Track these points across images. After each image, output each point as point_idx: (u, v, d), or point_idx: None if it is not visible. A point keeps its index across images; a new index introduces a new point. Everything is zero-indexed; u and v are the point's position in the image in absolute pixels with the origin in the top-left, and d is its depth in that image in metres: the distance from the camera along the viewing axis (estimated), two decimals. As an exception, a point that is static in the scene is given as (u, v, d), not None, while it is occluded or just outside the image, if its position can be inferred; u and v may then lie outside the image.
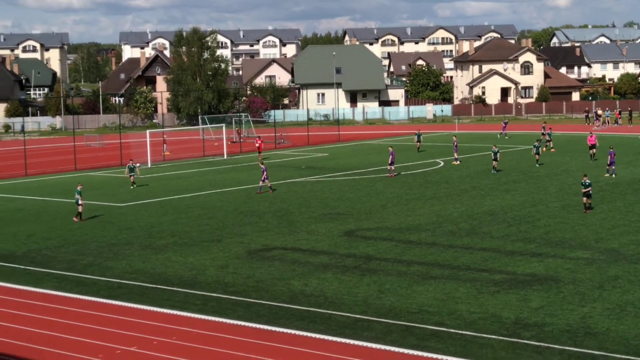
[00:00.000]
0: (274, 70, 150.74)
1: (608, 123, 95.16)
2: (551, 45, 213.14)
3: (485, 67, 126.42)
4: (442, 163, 60.33)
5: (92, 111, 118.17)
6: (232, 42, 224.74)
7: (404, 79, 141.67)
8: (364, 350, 20.66)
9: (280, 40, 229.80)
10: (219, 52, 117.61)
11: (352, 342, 21.23)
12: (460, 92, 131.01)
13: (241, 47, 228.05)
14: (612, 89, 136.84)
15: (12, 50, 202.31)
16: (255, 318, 23.40)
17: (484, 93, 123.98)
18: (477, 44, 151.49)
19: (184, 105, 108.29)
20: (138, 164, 61.52)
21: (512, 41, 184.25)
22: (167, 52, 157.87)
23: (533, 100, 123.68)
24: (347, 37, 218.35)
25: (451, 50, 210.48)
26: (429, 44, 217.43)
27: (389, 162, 53.35)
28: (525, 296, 24.73)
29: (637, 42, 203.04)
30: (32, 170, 62.26)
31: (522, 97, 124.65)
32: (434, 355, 20.06)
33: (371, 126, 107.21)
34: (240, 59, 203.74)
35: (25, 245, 34.58)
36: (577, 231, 34.18)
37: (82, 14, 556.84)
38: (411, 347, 20.67)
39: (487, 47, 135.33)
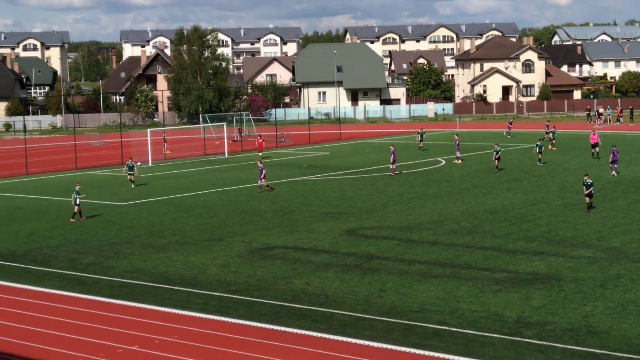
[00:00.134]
0: (275, 68, 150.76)
1: (610, 121, 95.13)
2: (552, 43, 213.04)
3: (487, 66, 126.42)
4: (444, 162, 60.29)
5: (93, 110, 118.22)
6: (233, 40, 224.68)
7: (405, 77, 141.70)
8: (365, 349, 20.63)
9: (281, 39, 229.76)
10: (219, 50, 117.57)
11: (353, 340, 21.20)
12: (461, 91, 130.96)
13: (242, 46, 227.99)
14: (614, 87, 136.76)
15: (13, 48, 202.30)
16: (256, 317, 23.38)
17: (485, 91, 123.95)
18: (478, 42, 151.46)
19: (184, 104, 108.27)
20: (139, 163, 61.63)
21: (514, 39, 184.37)
22: (167, 51, 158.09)
23: (534, 98, 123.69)
24: (348, 36, 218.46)
25: (452, 49, 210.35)
26: (430, 42, 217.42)
27: (391, 161, 53.32)
28: (527, 295, 24.70)
29: (638, 40, 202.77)
30: (32, 169, 62.25)
31: (523, 96, 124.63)
32: (436, 354, 20.03)
33: (372, 125, 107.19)
34: (241, 58, 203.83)
35: (26, 244, 34.56)
36: (578, 230, 34.14)
37: (83, 13, 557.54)
38: (413, 346, 20.65)
39: (488, 45, 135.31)
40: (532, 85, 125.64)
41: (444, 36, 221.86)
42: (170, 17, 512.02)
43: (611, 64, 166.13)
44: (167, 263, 30.23)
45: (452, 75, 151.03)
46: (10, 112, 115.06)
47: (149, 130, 68.96)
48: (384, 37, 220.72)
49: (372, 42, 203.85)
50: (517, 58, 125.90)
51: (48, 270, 29.62)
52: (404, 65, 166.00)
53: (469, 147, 68.65)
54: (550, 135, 68.74)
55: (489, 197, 43.19)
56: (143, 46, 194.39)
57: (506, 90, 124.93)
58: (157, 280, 27.71)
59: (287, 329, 22.24)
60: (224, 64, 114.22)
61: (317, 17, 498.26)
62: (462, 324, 22.15)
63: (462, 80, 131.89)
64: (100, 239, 35.12)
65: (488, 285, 25.94)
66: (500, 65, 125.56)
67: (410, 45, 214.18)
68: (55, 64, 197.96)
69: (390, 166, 53.50)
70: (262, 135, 72.21)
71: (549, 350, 20.06)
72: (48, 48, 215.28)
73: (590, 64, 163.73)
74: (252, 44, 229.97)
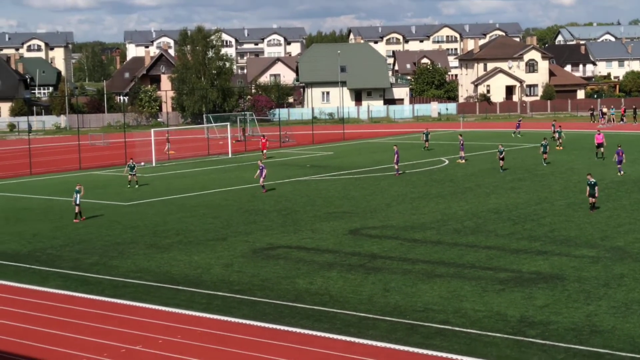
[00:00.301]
0: (279, 68, 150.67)
1: (613, 121, 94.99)
2: (556, 43, 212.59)
3: (490, 65, 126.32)
4: (447, 161, 60.27)
5: (97, 110, 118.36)
6: (236, 40, 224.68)
7: (408, 77, 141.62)
8: (368, 348, 20.64)
9: (285, 39, 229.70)
10: (223, 50, 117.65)
11: (357, 340, 21.21)
12: (465, 91, 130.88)
13: (246, 46, 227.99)
14: (618, 86, 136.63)
15: (17, 49, 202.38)
16: (260, 317, 23.39)
17: (488, 91, 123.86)
18: (482, 42, 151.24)
19: (188, 104, 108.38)
20: (142, 163, 61.72)
21: (517, 39, 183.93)
22: (171, 51, 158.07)
23: (538, 98, 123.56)
24: (351, 36, 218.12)
25: (456, 49, 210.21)
26: (434, 42, 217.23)
27: (395, 160, 53.30)
28: (531, 294, 24.69)
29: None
30: (37, 169, 62.33)
31: (527, 95, 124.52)
32: (439, 354, 20.03)
33: (376, 125, 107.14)
34: (245, 58, 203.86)
35: (30, 244, 34.61)
36: (582, 229, 34.11)
37: (87, 13, 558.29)
38: (416, 346, 20.65)
39: (491, 45, 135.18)
40: (535, 85, 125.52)
41: (447, 36, 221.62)
42: (174, 17, 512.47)
43: (615, 63, 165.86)
44: (171, 263, 30.26)
45: (456, 75, 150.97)
46: (14, 112, 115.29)
47: (152, 130, 69.04)
48: (387, 37, 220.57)
49: (375, 42, 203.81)
50: (520, 58, 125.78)
51: (52, 270, 29.67)
52: (408, 65, 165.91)
53: (472, 147, 68.60)
54: (557, 135, 68.70)
55: (493, 197, 43.17)
56: (147, 46, 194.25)
57: (510, 90, 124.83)
58: (161, 280, 27.75)
59: (290, 329, 22.25)
60: (227, 64, 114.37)
61: (320, 18, 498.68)
62: (465, 324, 22.14)
63: (465, 80, 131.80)
64: (104, 239, 35.17)
65: (491, 284, 25.93)
66: (503, 65, 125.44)
67: (413, 45, 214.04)
68: (60, 64, 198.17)
69: (395, 166, 53.50)
70: (265, 135, 72.27)
71: (552, 350, 20.05)
72: (52, 48, 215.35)
73: (594, 64, 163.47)
74: (256, 44, 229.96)
